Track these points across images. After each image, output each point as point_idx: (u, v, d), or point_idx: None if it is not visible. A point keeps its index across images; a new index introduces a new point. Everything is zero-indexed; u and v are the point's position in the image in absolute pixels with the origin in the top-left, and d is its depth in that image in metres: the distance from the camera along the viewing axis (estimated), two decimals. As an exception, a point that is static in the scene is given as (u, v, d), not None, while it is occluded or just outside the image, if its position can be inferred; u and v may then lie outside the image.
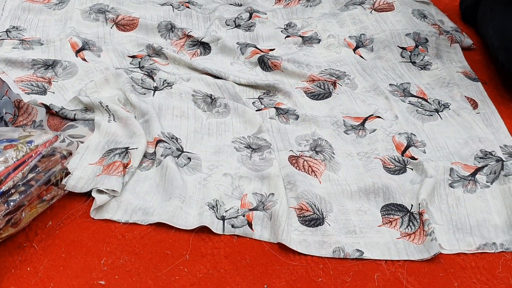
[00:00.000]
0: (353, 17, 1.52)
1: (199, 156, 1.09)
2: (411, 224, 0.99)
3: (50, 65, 1.27)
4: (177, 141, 1.11)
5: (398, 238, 0.97)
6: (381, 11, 1.53)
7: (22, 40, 1.35)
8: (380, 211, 1.01)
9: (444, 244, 0.96)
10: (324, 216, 0.99)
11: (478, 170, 1.11)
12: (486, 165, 1.11)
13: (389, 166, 1.10)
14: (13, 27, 1.40)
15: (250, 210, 0.98)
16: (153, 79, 1.26)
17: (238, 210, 0.98)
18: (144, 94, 1.22)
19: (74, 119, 1.14)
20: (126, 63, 1.33)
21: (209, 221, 0.94)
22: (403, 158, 1.12)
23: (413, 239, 0.97)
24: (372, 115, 1.23)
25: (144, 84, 1.24)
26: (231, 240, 0.93)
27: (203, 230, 0.94)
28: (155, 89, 1.24)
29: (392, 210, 1.01)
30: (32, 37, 1.37)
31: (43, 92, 1.20)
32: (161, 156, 1.05)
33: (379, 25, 1.49)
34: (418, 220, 0.99)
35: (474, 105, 1.30)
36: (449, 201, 1.04)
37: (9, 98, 1.12)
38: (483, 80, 1.39)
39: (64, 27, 1.41)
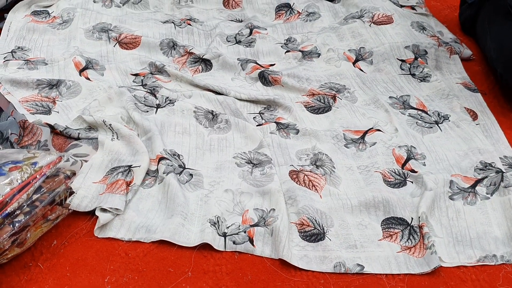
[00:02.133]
0: (353, 31, 1.54)
1: (200, 173, 1.11)
2: (411, 237, 1.00)
3: (54, 84, 1.29)
4: (179, 158, 1.13)
5: (399, 252, 0.98)
6: (380, 24, 1.54)
7: (27, 60, 1.37)
8: (381, 225, 1.02)
9: (444, 257, 0.97)
10: (325, 231, 1.00)
11: (478, 182, 1.11)
12: (486, 177, 1.12)
13: (389, 180, 1.11)
14: (18, 47, 1.43)
15: (251, 226, 0.99)
16: (155, 96, 1.28)
17: (239, 226, 0.99)
18: (147, 111, 1.24)
19: (78, 138, 1.16)
20: (129, 81, 1.35)
21: (211, 238, 0.95)
22: (403, 171, 1.13)
23: (413, 253, 0.97)
24: (372, 128, 1.24)
25: (146, 102, 1.26)
26: (233, 257, 0.94)
27: (205, 246, 0.95)
28: (158, 106, 1.26)
29: (393, 224, 1.02)
30: (37, 57, 1.40)
31: (48, 111, 1.23)
32: (163, 173, 1.07)
33: (378, 38, 1.50)
34: (418, 234, 1.00)
35: (474, 116, 1.31)
36: (449, 214, 1.05)
37: (14, 118, 1.14)
38: (482, 91, 1.40)
39: (68, 47, 1.43)
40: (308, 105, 1.32)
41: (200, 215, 1.01)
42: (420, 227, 1.00)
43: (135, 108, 1.22)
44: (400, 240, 1.00)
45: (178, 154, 1.14)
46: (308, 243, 0.97)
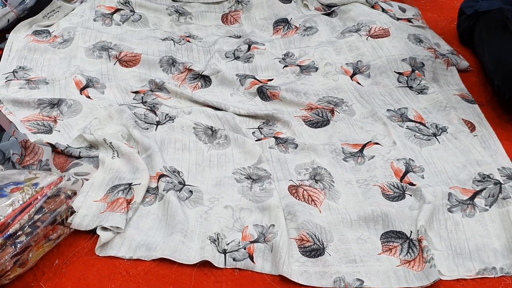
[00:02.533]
0: (350, 45, 1.56)
1: (200, 189, 1.12)
2: (410, 251, 1.00)
3: (55, 104, 1.31)
4: (179, 175, 1.14)
5: (398, 266, 0.98)
6: (377, 38, 1.56)
7: (28, 80, 1.39)
8: (380, 239, 1.03)
9: (444, 270, 0.97)
10: (325, 246, 1.00)
11: (476, 193, 1.12)
12: (485, 189, 1.13)
13: (388, 193, 1.12)
14: (20, 67, 1.45)
15: (251, 242, 1.00)
16: (155, 113, 1.30)
17: (239, 243, 1.00)
18: (147, 129, 1.25)
19: (79, 157, 1.17)
20: (129, 98, 1.37)
21: (211, 255, 0.96)
22: (402, 184, 1.14)
23: (412, 266, 0.98)
24: (370, 141, 1.25)
25: (147, 119, 1.28)
26: (233, 274, 0.95)
27: (206, 264, 0.96)
28: (158, 123, 1.27)
29: (392, 238, 1.03)
30: (38, 77, 1.41)
31: (49, 131, 1.24)
32: (163, 190, 1.08)
33: (375, 52, 1.52)
34: (418, 247, 1.00)
35: (472, 127, 1.31)
36: (448, 226, 1.05)
37: (16, 138, 1.15)
38: (480, 102, 1.41)
39: (69, 66, 1.45)
40: (307, 119, 1.33)
41: (200, 232, 1.02)
42: (419, 241, 1.00)
43: (135, 126, 1.24)
44: (400, 253, 1.00)
45: (178, 171, 1.15)
46: (308, 259, 0.98)
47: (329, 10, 1.74)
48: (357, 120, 1.32)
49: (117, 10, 1.66)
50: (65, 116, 1.29)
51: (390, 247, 1.01)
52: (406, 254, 1.00)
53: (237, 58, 1.55)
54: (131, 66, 1.48)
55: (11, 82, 1.38)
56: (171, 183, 1.10)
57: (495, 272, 0.98)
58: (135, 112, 1.28)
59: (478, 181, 1.14)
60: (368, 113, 1.35)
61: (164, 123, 1.28)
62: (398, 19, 1.67)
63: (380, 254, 1.00)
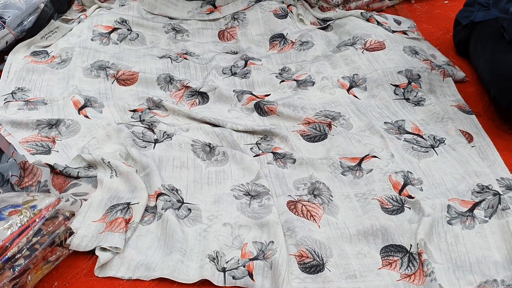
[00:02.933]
0: (346, 58, 1.56)
1: (199, 207, 1.12)
2: (410, 264, 1.00)
3: (53, 124, 1.31)
4: (177, 193, 1.14)
5: (398, 280, 0.98)
6: (372, 51, 1.57)
7: (27, 101, 1.40)
8: (380, 253, 1.02)
9: (445, 284, 0.97)
10: (324, 262, 1.00)
11: (475, 205, 1.12)
12: (484, 200, 1.12)
13: (386, 206, 1.12)
14: (18, 88, 1.46)
15: (251, 260, 1.00)
16: (153, 131, 1.30)
17: (238, 260, 1.00)
18: (145, 147, 1.25)
19: (77, 177, 1.17)
20: (127, 117, 1.37)
21: (210, 274, 0.96)
22: (401, 197, 1.14)
23: (413, 280, 0.97)
24: (368, 155, 1.25)
25: (145, 137, 1.28)
26: (232, 292, 0.95)
27: (205, 282, 0.95)
28: (156, 141, 1.28)
29: (392, 252, 1.02)
30: (36, 97, 1.42)
31: (48, 151, 1.24)
32: (162, 209, 1.08)
33: (371, 65, 1.52)
34: (418, 261, 1.00)
35: (469, 138, 1.31)
36: (448, 239, 1.05)
37: (15, 160, 1.16)
38: (477, 112, 1.41)
39: (67, 86, 1.46)
40: (304, 133, 1.34)
41: (199, 251, 1.01)
42: (419, 254, 1.00)
43: (133, 145, 1.24)
44: (400, 268, 1.00)
45: (176, 189, 1.15)
46: (308, 275, 0.98)
47: (324, 24, 1.75)
48: (355, 134, 1.32)
49: (114, 29, 1.68)
50: (63, 137, 1.29)
51: (390, 261, 1.01)
52: (406, 268, 0.99)
53: (234, 74, 1.55)
54: (129, 84, 1.49)
55: (10, 104, 1.39)
56: (170, 201, 1.10)
57: (496, 285, 0.97)
58: (133, 130, 1.28)
59: (477, 192, 1.14)
60: (365, 126, 1.35)
61: (162, 141, 1.28)
62: (393, 31, 1.68)
63: (380, 268, 1.00)
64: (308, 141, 1.32)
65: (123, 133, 1.27)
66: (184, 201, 1.12)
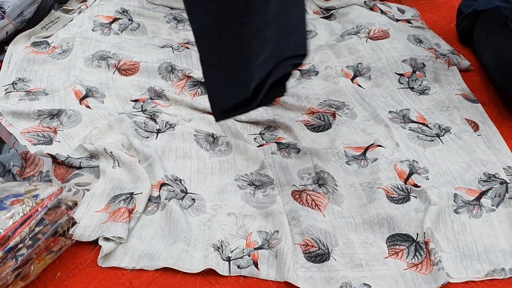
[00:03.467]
0: (349, 47, 1.55)
1: (203, 197, 1.10)
2: (417, 254, 0.99)
3: (55, 114, 1.30)
4: (180, 183, 1.13)
5: (405, 269, 0.96)
6: (376, 39, 1.55)
7: (28, 91, 1.39)
8: (386, 242, 1.01)
9: (452, 273, 0.96)
10: (330, 251, 0.99)
11: (482, 194, 1.10)
12: (491, 188, 1.11)
13: (392, 196, 1.11)
14: (19, 79, 1.44)
15: (256, 249, 0.99)
16: (155, 121, 1.29)
17: (243, 249, 0.98)
18: (147, 137, 1.24)
19: (79, 167, 1.16)
20: (129, 107, 1.36)
21: (215, 263, 0.95)
22: (406, 186, 1.12)
23: (420, 270, 0.96)
24: (373, 144, 1.23)
25: (147, 127, 1.27)
26: (238, 281, 0.94)
27: (210, 272, 0.94)
28: (158, 131, 1.26)
29: (398, 241, 1.01)
30: (38, 88, 1.41)
31: (49, 142, 1.23)
32: (165, 199, 1.07)
33: (375, 53, 1.51)
34: (425, 250, 0.99)
35: (475, 127, 1.30)
36: (455, 228, 1.04)
37: (16, 150, 1.15)
38: (482, 101, 1.40)
39: (68, 76, 1.44)
40: (308, 123, 1.32)
41: (204, 240, 1.00)
42: (426, 243, 0.99)
43: (135, 135, 1.23)
44: (406, 257, 0.99)
45: (180, 179, 1.14)
46: (313, 264, 0.97)
47: (327, 14, 1.73)
48: (359, 123, 1.31)
49: (115, 20, 1.66)
50: (65, 127, 1.28)
51: (397, 250, 1.00)
52: (413, 257, 0.98)
53: (236, 63, 1.54)
54: (130, 74, 1.47)
55: (11, 94, 1.37)
56: (173, 191, 1.09)
57: (504, 273, 0.96)
58: (135, 120, 1.27)
59: (484, 181, 1.13)
60: (370, 116, 1.33)
61: (164, 131, 1.27)
62: (397, 20, 1.66)
63: (386, 258, 0.99)
64: (312, 131, 1.31)
65: (125, 123, 1.26)
66: (188, 191, 1.11)
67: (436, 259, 0.95)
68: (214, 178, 1.16)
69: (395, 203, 1.09)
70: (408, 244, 1.00)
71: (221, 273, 0.94)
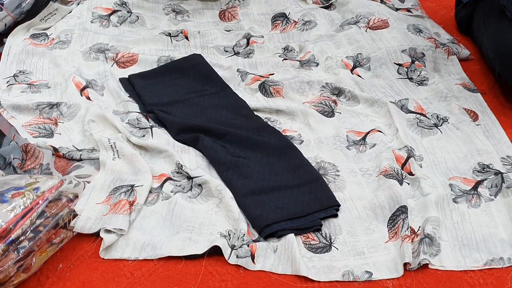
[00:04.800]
0: (349, 37, 1.54)
1: (205, 179, 1.09)
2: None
3: (54, 105, 1.30)
4: (182, 169, 1.12)
5: (401, 244, 0.97)
6: (376, 29, 1.55)
7: (30, 84, 1.38)
8: (387, 225, 1.02)
9: (451, 261, 0.97)
10: (332, 241, 1.00)
11: (478, 183, 1.11)
12: (485, 179, 1.11)
13: (391, 173, 1.11)
14: (20, 71, 1.44)
15: (254, 241, 0.99)
16: (147, 119, 1.27)
17: (244, 236, 0.99)
18: (144, 136, 1.22)
19: (80, 160, 1.16)
20: (125, 96, 1.35)
21: (221, 243, 0.96)
22: (402, 171, 1.12)
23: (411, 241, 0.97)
24: (374, 129, 1.24)
25: (140, 124, 1.25)
26: (238, 272, 0.94)
27: (211, 263, 0.95)
28: (151, 127, 1.25)
29: (397, 217, 1.02)
30: (40, 80, 1.40)
31: (50, 134, 1.23)
32: (171, 192, 1.07)
33: (375, 43, 1.50)
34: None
35: (475, 117, 1.30)
36: (453, 217, 1.05)
37: (16, 143, 1.15)
38: (482, 90, 1.40)
39: (67, 67, 1.43)
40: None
41: (210, 224, 1.01)
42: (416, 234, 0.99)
43: (130, 136, 1.21)
44: (401, 230, 0.99)
45: (181, 165, 1.13)
46: (314, 254, 0.98)
47: (327, 3, 1.72)
48: (362, 108, 1.31)
49: (114, 12, 1.65)
50: (65, 118, 1.28)
51: (395, 230, 1.00)
52: (407, 229, 0.99)
53: (236, 53, 1.54)
54: (129, 66, 1.47)
55: (13, 86, 1.37)
56: (180, 186, 1.09)
57: (502, 263, 0.97)
58: (129, 120, 1.25)
59: (478, 171, 1.13)
60: (372, 100, 1.33)
61: (157, 127, 1.25)
62: (396, 9, 1.66)
63: (387, 242, 1.00)
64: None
65: (119, 125, 1.24)
66: (192, 176, 1.10)
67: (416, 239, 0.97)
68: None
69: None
70: (404, 217, 1.00)
71: (224, 255, 0.95)
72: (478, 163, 1.15)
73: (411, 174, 1.12)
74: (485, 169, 1.14)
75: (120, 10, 1.66)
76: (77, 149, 1.18)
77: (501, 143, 1.22)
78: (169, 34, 1.57)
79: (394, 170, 1.12)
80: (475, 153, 1.18)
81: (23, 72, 1.44)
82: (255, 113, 1.32)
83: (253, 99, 1.37)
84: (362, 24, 1.57)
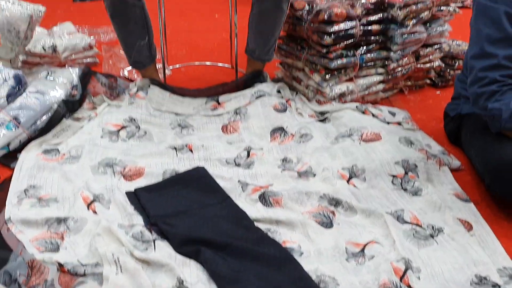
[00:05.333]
0: (344, 150, 1.62)
1: None
2: None
3: (62, 219, 1.34)
4: (183, 284, 1.14)
5: None
6: (369, 142, 1.63)
7: (39, 198, 1.44)
8: None
9: None
10: None
11: (477, 298, 1.12)
12: (484, 292, 1.13)
13: (390, 287, 1.12)
14: (31, 185, 1.50)
15: None
16: (151, 232, 1.31)
17: None
18: (146, 249, 1.25)
19: (84, 275, 1.19)
20: (130, 210, 1.40)
21: None
22: (401, 284, 1.14)
23: None
24: (372, 240, 1.26)
25: (143, 237, 1.29)
26: None
27: None
28: (154, 241, 1.28)
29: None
30: (48, 194, 1.46)
31: (56, 249, 1.27)
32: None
33: (368, 155, 1.58)
34: None
35: (469, 227, 1.34)
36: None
37: (23, 258, 1.18)
38: (475, 200, 1.44)
39: (76, 182, 1.50)
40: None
41: None
42: None
43: (133, 249, 1.23)
44: None
45: (182, 280, 1.15)
46: None
47: (322, 117, 1.83)
48: (358, 219, 1.35)
49: (123, 127, 1.76)
50: (71, 232, 1.31)
51: None
52: None
53: (238, 165, 1.61)
54: (135, 179, 1.53)
55: (23, 201, 1.43)
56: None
57: None
58: (133, 233, 1.29)
59: (476, 283, 1.15)
60: (369, 211, 1.37)
61: (160, 240, 1.28)
62: (388, 123, 1.76)
63: None
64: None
65: (123, 239, 1.28)
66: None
67: None
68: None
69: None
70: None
71: None
72: (475, 275, 1.17)
73: (409, 287, 1.13)
74: (483, 281, 1.15)
75: (129, 126, 1.77)
76: (82, 264, 1.21)
77: (496, 254, 1.24)
78: (175, 148, 1.66)
79: (393, 283, 1.14)
80: (471, 264, 1.20)
81: (34, 187, 1.50)
82: (256, 223, 1.36)
83: (254, 209, 1.42)
84: (355, 137, 1.66)
